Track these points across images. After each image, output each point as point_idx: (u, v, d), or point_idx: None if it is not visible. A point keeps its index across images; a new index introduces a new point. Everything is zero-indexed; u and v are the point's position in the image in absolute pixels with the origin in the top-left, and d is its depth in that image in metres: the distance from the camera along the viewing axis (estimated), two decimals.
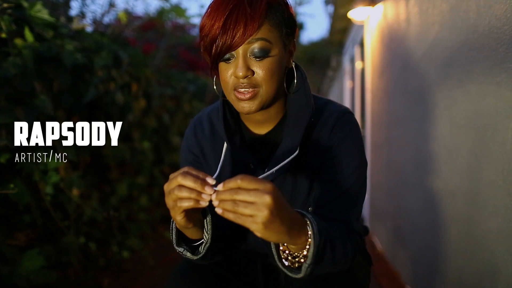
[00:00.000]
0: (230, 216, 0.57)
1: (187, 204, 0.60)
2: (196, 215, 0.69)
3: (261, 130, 0.87)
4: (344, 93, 6.10)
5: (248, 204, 0.55)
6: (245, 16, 0.70)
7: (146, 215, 2.80)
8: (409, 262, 1.99)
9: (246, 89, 0.74)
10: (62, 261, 1.84)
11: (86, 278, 1.98)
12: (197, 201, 0.60)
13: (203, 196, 0.59)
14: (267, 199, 0.55)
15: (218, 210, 0.57)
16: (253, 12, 0.70)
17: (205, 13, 0.74)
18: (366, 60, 3.54)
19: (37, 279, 1.48)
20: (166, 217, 3.22)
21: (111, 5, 3.08)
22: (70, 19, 2.46)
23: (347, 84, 5.66)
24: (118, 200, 2.40)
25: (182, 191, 0.60)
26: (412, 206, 1.95)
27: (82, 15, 2.89)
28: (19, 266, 1.43)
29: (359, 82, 4.38)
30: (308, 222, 0.65)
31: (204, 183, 0.59)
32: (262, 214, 0.55)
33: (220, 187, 0.58)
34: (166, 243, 2.71)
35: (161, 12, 3.67)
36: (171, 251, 2.59)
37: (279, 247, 0.68)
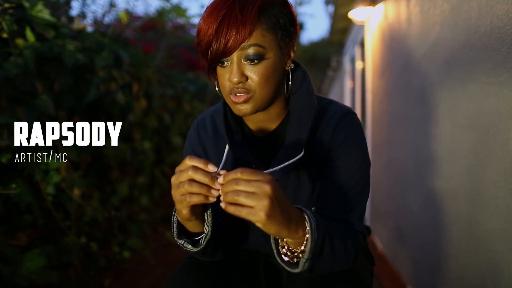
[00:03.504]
0: (231, 210, 0.58)
1: (196, 199, 0.62)
2: (199, 208, 0.71)
3: (263, 130, 0.87)
4: (344, 93, 6.10)
5: (249, 194, 0.57)
6: (237, 22, 0.70)
7: (147, 215, 2.81)
8: (410, 262, 1.99)
9: (241, 94, 0.75)
10: (63, 261, 1.84)
11: (87, 278, 1.98)
12: (206, 196, 0.62)
13: (212, 191, 0.62)
14: (267, 188, 0.57)
15: (222, 205, 0.59)
16: (244, 18, 0.70)
17: (201, 18, 0.75)
18: (367, 60, 3.54)
19: (38, 279, 1.48)
20: (167, 217, 3.22)
21: (112, 5, 3.09)
22: (71, 19, 2.46)
23: (348, 84, 5.66)
24: (119, 200, 2.40)
25: (193, 186, 0.62)
26: (413, 205, 1.95)
27: (82, 15, 2.90)
28: (21, 266, 1.43)
29: (360, 82, 4.38)
30: (306, 217, 0.66)
31: (214, 178, 0.61)
32: (263, 203, 0.57)
33: (220, 179, 0.60)
34: (167, 243, 2.71)
35: (161, 12, 3.67)
36: (172, 251, 2.59)
37: (278, 243, 0.69)
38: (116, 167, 2.43)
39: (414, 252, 1.93)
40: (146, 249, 2.39)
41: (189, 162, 0.63)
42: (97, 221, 2.13)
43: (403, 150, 2.17)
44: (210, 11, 0.73)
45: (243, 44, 0.71)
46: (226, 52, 0.72)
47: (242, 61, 0.74)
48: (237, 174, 0.59)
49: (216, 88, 0.84)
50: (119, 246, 2.32)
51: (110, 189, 2.42)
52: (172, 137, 3.14)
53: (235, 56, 0.73)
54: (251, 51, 0.72)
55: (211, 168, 0.62)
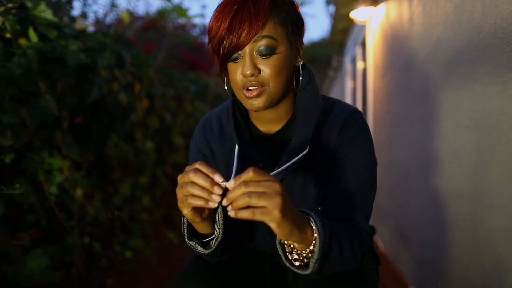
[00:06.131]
0: (244, 214, 0.57)
1: (197, 202, 0.62)
2: (205, 211, 0.70)
3: (270, 129, 0.88)
4: (345, 93, 6.10)
5: (261, 194, 0.57)
6: (250, 15, 0.71)
7: (148, 215, 2.80)
8: (412, 262, 1.99)
9: (254, 87, 0.75)
10: (66, 261, 1.84)
11: (89, 278, 1.98)
12: (207, 201, 0.61)
13: (213, 197, 0.61)
14: (277, 186, 0.58)
15: (231, 213, 0.58)
16: (257, 11, 0.71)
17: (212, 16, 0.76)
18: (368, 60, 3.54)
19: (41, 279, 1.48)
20: (168, 217, 3.22)
21: (113, 5, 3.09)
22: (73, 19, 2.46)
23: (349, 84, 5.67)
24: (121, 200, 2.40)
25: (194, 188, 0.62)
26: (415, 205, 1.95)
27: (84, 15, 2.89)
28: (24, 266, 1.43)
29: (361, 82, 4.39)
30: (311, 218, 0.66)
31: (214, 182, 0.61)
32: (276, 200, 0.57)
33: (231, 183, 0.59)
34: (169, 243, 2.71)
35: (162, 13, 3.67)
36: (173, 251, 2.59)
37: (285, 249, 0.69)
38: (118, 167, 2.43)
39: (416, 252, 1.93)
40: (148, 249, 2.39)
41: (196, 165, 0.63)
42: (99, 221, 2.13)
43: (405, 150, 2.17)
44: (221, 8, 0.74)
45: (256, 37, 0.72)
46: (240, 46, 0.73)
47: (255, 54, 0.74)
48: (249, 174, 0.59)
49: (226, 87, 0.84)
50: (121, 246, 2.32)
51: (112, 189, 2.42)
52: (173, 137, 3.14)
53: (247, 49, 0.74)
54: (263, 43, 0.73)
55: (218, 178, 0.61)
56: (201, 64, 5.60)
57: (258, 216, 0.57)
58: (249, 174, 0.59)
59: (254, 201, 0.57)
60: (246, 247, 0.93)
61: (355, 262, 0.74)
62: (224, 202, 0.59)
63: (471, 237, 1.27)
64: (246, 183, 0.58)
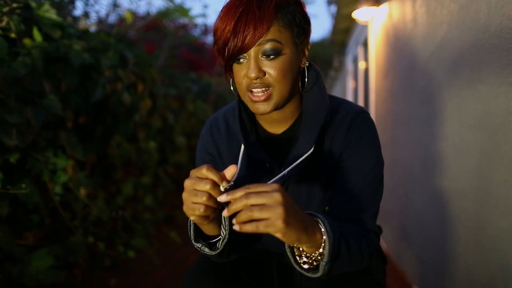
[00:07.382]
0: (248, 228, 0.57)
1: (208, 213, 0.65)
2: (211, 213, 0.69)
3: (276, 129, 0.88)
4: (346, 93, 6.10)
5: (262, 206, 0.57)
6: (254, 18, 0.71)
7: (151, 215, 2.81)
8: (415, 262, 1.99)
9: (259, 89, 0.75)
10: (69, 261, 1.84)
11: (92, 277, 1.98)
12: (210, 209, 0.64)
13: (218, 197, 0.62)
14: (277, 196, 0.58)
15: (236, 227, 0.58)
16: (262, 15, 0.71)
17: (217, 17, 0.75)
18: (370, 60, 3.54)
19: (45, 278, 1.48)
20: (170, 217, 3.22)
21: (115, 5, 3.09)
22: (75, 19, 2.46)
23: (350, 84, 5.67)
24: (123, 200, 2.41)
25: (210, 202, 0.63)
26: (418, 205, 1.95)
27: (86, 15, 2.89)
28: (28, 265, 1.44)
29: (362, 82, 4.39)
30: (319, 220, 0.66)
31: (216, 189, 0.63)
32: (278, 211, 0.57)
33: (223, 197, 0.60)
34: (171, 243, 2.72)
35: (165, 13, 3.68)
36: (176, 250, 2.59)
37: (295, 253, 0.69)
38: (121, 167, 2.43)
39: (419, 251, 1.93)
40: (151, 249, 2.40)
41: (206, 173, 0.62)
42: (102, 221, 2.14)
43: (408, 149, 2.17)
44: (227, 10, 0.73)
45: (260, 40, 0.72)
46: (244, 48, 0.72)
47: (260, 56, 0.74)
48: (244, 189, 0.59)
49: (232, 88, 0.84)
50: (124, 246, 2.32)
51: (115, 189, 2.42)
52: (175, 137, 3.14)
53: (252, 51, 0.73)
54: (268, 46, 0.73)
55: (225, 184, 0.63)
56: (202, 64, 5.60)
57: (262, 229, 0.57)
58: (244, 189, 0.59)
59: (256, 214, 0.57)
60: (253, 247, 0.93)
61: (363, 262, 0.74)
62: (225, 213, 0.59)
63: (476, 237, 1.27)
64: (247, 195, 0.58)
